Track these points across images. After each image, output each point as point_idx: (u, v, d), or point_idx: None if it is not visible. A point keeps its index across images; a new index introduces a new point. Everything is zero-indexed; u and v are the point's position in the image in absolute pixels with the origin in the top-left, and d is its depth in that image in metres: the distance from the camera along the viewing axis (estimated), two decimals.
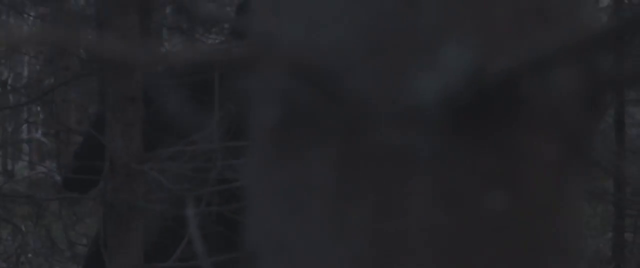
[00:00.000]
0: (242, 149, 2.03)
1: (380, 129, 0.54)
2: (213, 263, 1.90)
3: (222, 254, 2.04)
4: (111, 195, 2.04)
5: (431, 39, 0.54)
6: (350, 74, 0.54)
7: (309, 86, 0.55)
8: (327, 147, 0.55)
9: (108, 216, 2.08)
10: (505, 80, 0.53)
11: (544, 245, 0.56)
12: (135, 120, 2.04)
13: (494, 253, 0.55)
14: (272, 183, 0.58)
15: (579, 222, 0.58)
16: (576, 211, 0.58)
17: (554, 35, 0.55)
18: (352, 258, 0.55)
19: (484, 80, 0.52)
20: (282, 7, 0.57)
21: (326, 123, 0.55)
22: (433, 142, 0.54)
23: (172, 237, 2.18)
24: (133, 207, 2.04)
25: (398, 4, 0.54)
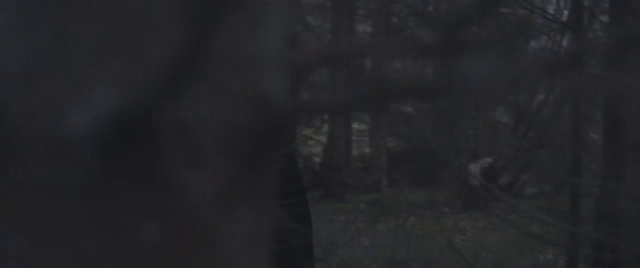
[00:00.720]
0: None
1: (33, 160, 0.55)
2: None
3: None
4: None
5: (82, 73, 0.55)
6: (6, 104, 0.55)
7: None
8: None
9: None
10: (145, 114, 0.53)
11: None
12: None
13: None
14: None
15: (246, 255, 0.59)
16: (244, 244, 0.58)
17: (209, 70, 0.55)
18: None
19: (128, 114, 0.53)
20: None
21: None
22: (83, 174, 0.55)
23: None
24: None
25: (52, 37, 0.55)
